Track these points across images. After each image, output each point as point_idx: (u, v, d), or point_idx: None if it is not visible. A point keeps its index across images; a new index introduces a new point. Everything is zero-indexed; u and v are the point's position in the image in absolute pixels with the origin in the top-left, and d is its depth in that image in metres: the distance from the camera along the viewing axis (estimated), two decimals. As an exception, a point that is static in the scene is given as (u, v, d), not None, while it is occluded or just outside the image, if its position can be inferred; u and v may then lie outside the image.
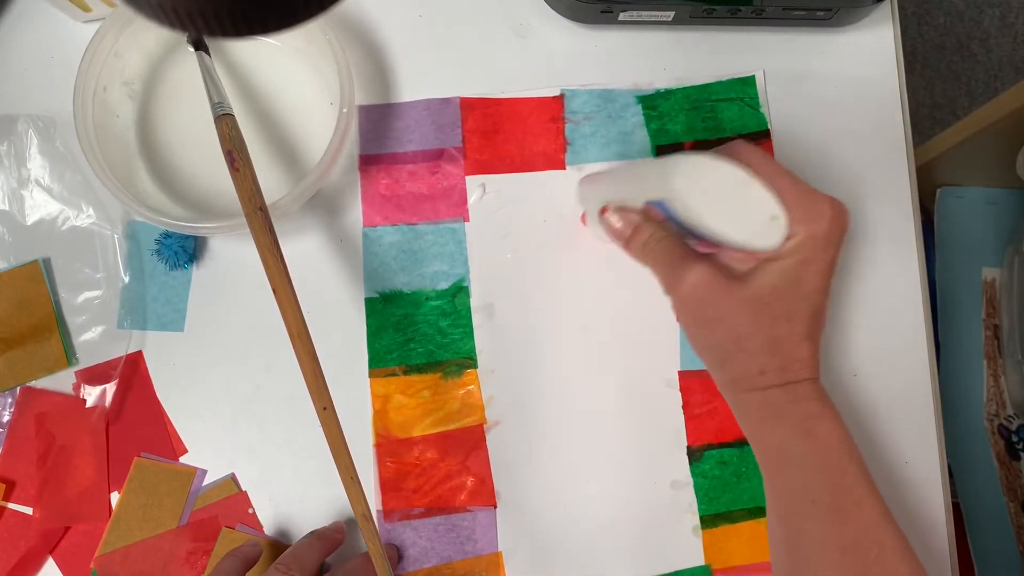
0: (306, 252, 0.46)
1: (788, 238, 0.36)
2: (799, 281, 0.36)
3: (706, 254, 0.38)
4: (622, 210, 0.40)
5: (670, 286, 0.38)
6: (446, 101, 0.47)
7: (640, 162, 0.39)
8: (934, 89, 1.29)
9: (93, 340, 0.45)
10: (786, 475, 0.37)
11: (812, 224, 0.36)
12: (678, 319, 0.39)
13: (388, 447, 0.44)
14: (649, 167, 0.39)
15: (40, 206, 0.46)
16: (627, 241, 0.40)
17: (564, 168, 0.47)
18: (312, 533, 0.42)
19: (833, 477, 0.36)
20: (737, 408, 0.39)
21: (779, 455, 0.37)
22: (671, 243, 0.38)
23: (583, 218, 0.46)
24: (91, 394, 0.44)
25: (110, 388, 0.44)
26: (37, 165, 0.46)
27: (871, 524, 0.36)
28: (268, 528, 0.44)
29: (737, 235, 0.35)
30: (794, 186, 0.37)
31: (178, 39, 0.46)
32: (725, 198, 0.36)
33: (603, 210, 0.41)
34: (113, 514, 0.43)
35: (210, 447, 0.44)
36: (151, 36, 0.45)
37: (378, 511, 0.44)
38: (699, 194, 0.35)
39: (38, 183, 0.46)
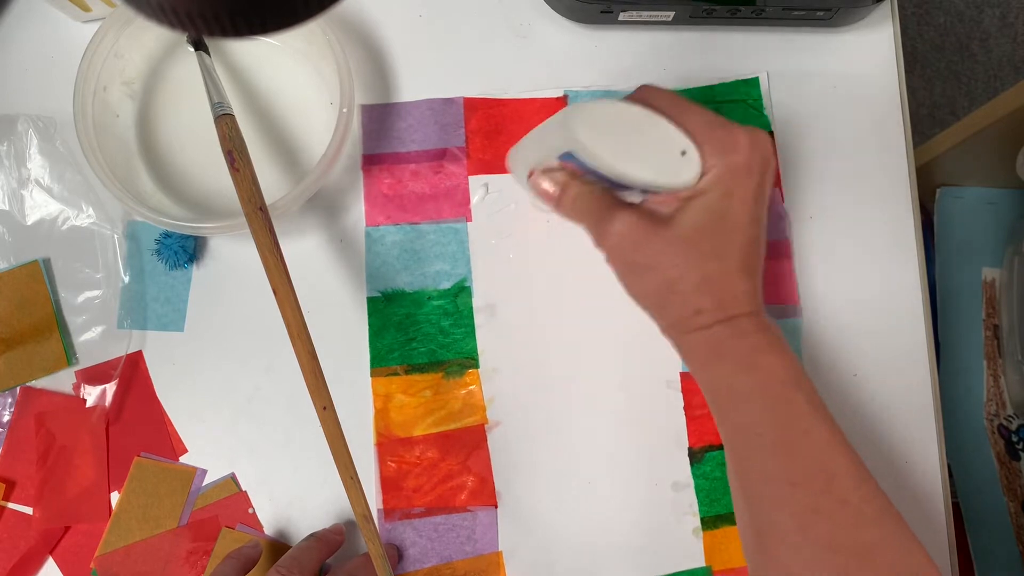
0: (307, 252, 0.46)
1: (705, 173, 0.36)
2: (723, 215, 0.36)
3: (632, 203, 0.38)
4: (548, 171, 0.39)
5: (598, 238, 0.38)
6: (449, 101, 0.47)
7: (545, 122, 0.39)
8: (934, 89, 1.29)
9: (93, 340, 0.45)
10: (733, 413, 0.36)
11: (728, 156, 0.35)
12: (613, 271, 0.38)
13: (389, 446, 0.44)
14: (552, 121, 0.38)
15: (40, 206, 0.46)
16: (557, 202, 0.39)
17: (564, 168, 0.47)
18: (312, 535, 0.42)
19: (778, 409, 0.35)
20: (681, 350, 0.38)
21: (724, 393, 0.37)
22: (596, 196, 0.38)
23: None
24: (91, 394, 0.44)
25: (110, 388, 0.44)
26: (37, 165, 0.46)
27: (819, 453, 0.35)
28: (268, 528, 0.44)
29: (648, 174, 0.35)
30: (705, 120, 0.36)
31: (178, 39, 0.46)
32: (630, 139, 0.35)
33: (530, 175, 0.40)
34: (113, 514, 0.43)
35: (210, 447, 0.44)
36: (151, 36, 0.45)
37: (379, 510, 0.44)
38: (602, 138, 0.35)
39: (38, 183, 0.46)
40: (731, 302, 0.36)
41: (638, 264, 0.37)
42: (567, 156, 0.37)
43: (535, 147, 0.40)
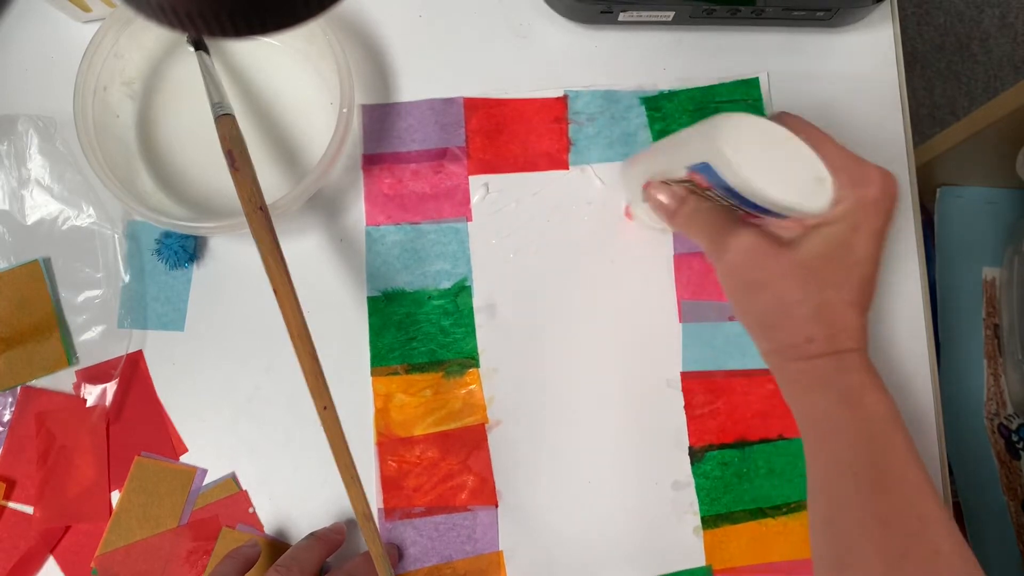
0: (307, 251, 0.46)
1: (836, 203, 0.35)
2: (848, 247, 0.36)
3: (753, 222, 0.38)
4: (665, 184, 0.39)
5: (715, 252, 0.37)
6: (449, 101, 0.47)
7: (681, 131, 0.39)
8: (934, 89, 1.29)
9: (93, 340, 0.45)
10: (829, 445, 0.36)
11: (861, 189, 0.36)
12: (724, 288, 0.38)
13: (390, 446, 0.44)
14: (691, 131, 0.38)
15: (40, 206, 0.46)
16: (673, 213, 0.39)
17: (567, 168, 0.47)
18: (312, 534, 0.42)
19: (877, 449, 0.35)
20: (781, 376, 0.38)
21: (823, 425, 0.37)
22: (717, 211, 0.38)
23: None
24: (91, 394, 0.44)
25: (110, 388, 0.44)
26: (37, 165, 0.46)
27: (914, 497, 0.35)
28: (268, 528, 0.44)
29: (783, 196, 0.34)
30: (841, 151, 0.36)
31: (178, 39, 0.46)
32: (769, 158, 0.35)
33: (646, 186, 0.40)
34: (113, 513, 0.43)
35: (210, 447, 0.44)
36: (151, 36, 0.45)
37: (379, 509, 0.44)
38: (743, 154, 0.34)
39: (38, 183, 0.46)
40: (842, 335, 0.36)
41: (755, 283, 0.37)
42: (701, 167, 0.36)
43: (663, 157, 0.40)
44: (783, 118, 0.38)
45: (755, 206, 0.36)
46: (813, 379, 0.36)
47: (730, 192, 0.36)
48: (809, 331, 0.36)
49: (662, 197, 0.39)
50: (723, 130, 0.35)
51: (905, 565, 0.34)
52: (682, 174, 0.38)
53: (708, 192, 0.38)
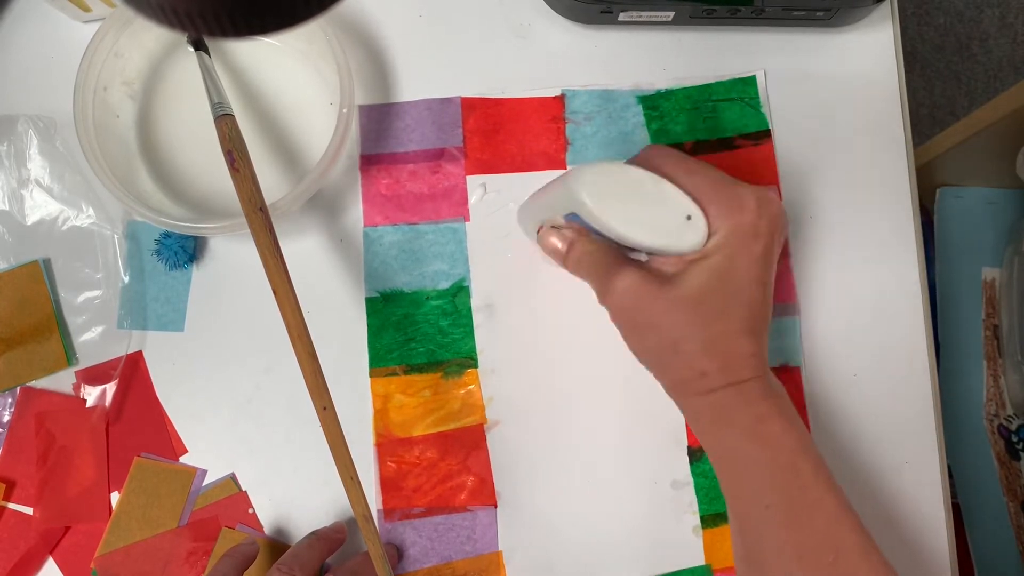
0: (306, 252, 0.46)
1: (711, 235, 0.36)
2: (728, 277, 0.35)
3: (637, 261, 0.38)
4: (556, 228, 0.40)
5: (602, 296, 0.38)
6: (447, 101, 0.47)
7: (556, 178, 0.39)
8: (934, 89, 1.29)
9: (93, 340, 0.45)
10: (740, 480, 0.36)
11: (734, 217, 0.35)
12: (617, 329, 0.38)
13: (389, 446, 0.44)
14: (559, 183, 0.38)
15: (40, 206, 0.46)
16: (564, 258, 0.39)
17: (565, 168, 0.47)
18: (313, 533, 0.42)
19: (786, 479, 0.35)
20: (686, 412, 0.38)
21: (732, 461, 0.36)
22: (601, 253, 0.38)
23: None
24: (91, 394, 0.44)
25: (110, 388, 0.44)
26: (37, 165, 0.46)
27: (826, 525, 0.35)
28: (268, 528, 0.44)
29: (652, 239, 0.35)
30: (711, 181, 0.36)
31: (178, 39, 0.46)
32: (634, 203, 0.35)
33: (539, 230, 0.41)
34: (113, 514, 0.43)
35: (210, 447, 0.44)
36: (151, 36, 0.45)
37: (378, 510, 0.44)
38: (607, 202, 0.35)
39: (38, 183, 0.46)
40: (736, 365, 0.35)
41: (641, 324, 0.37)
42: (573, 216, 0.37)
43: (543, 205, 0.41)
44: (650, 153, 0.38)
45: (627, 246, 0.36)
46: (715, 414, 0.36)
47: (606, 237, 0.37)
48: (701, 366, 0.35)
49: (553, 241, 0.40)
50: (583, 181, 0.35)
51: None
52: (562, 221, 0.39)
53: (593, 236, 0.38)
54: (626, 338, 0.38)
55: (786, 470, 0.35)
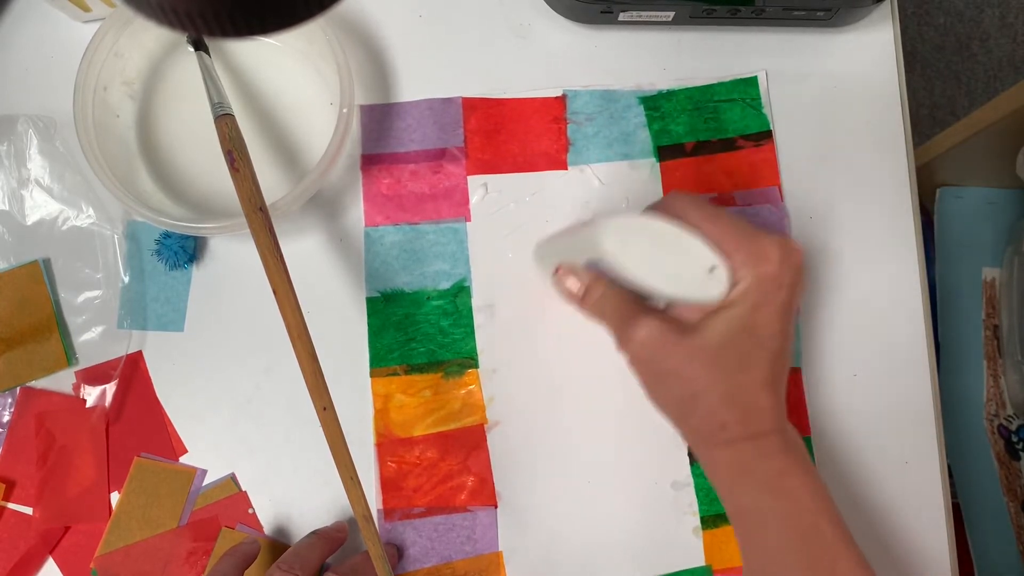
0: (306, 252, 0.46)
1: (735, 284, 0.35)
2: (751, 328, 0.35)
3: (657, 309, 0.38)
4: (574, 270, 0.39)
5: (621, 342, 0.37)
6: (448, 101, 0.47)
7: (578, 224, 0.39)
8: (934, 89, 1.29)
9: (93, 340, 0.45)
10: (758, 536, 0.36)
11: (758, 267, 0.35)
12: (634, 374, 0.38)
13: (389, 446, 0.44)
14: (582, 229, 0.38)
15: (40, 206, 0.46)
16: (580, 301, 0.39)
17: (566, 168, 0.47)
18: (314, 532, 0.42)
19: (806, 537, 0.35)
20: (704, 463, 0.37)
21: (750, 515, 0.36)
22: (621, 299, 0.37)
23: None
24: (91, 394, 0.44)
25: (110, 388, 0.44)
26: (37, 165, 0.46)
27: None
28: (268, 528, 0.44)
29: (675, 291, 0.35)
30: (735, 230, 0.35)
31: (178, 39, 0.46)
32: (657, 255, 0.35)
33: (556, 270, 0.41)
34: (113, 514, 0.43)
35: (210, 447, 0.44)
36: (151, 36, 0.45)
37: (379, 510, 0.44)
38: (629, 254, 0.35)
39: (38, 183, 0.46)
40: (755, 418, 0.35)
41: (660, 373, 0.36)
42: (595, 263, 0.37)
43: (563, 248, 0.41)
44: (673, 200, 0.38)
45: (650, 297, 0.36)
46: (734, 466, 0.36)
47: (627, 285, 0.36)
48: (721, 417, 0.35)
49: (570, 284, 0.39)
50: (607, 232, 0.35)
51: None
52: (582, 267, 0.39)
53: (611, 280, 0.38)
54: (645, 386, 0.38)
55: (806, 527, 0.35)
